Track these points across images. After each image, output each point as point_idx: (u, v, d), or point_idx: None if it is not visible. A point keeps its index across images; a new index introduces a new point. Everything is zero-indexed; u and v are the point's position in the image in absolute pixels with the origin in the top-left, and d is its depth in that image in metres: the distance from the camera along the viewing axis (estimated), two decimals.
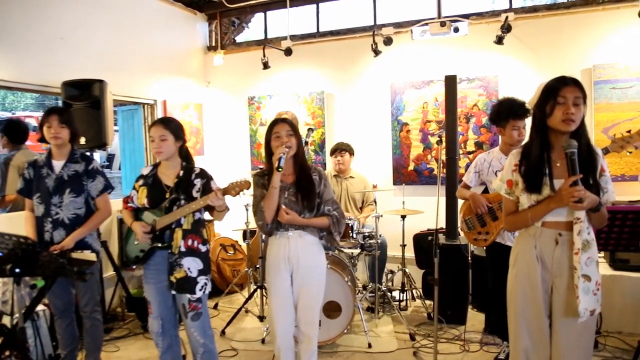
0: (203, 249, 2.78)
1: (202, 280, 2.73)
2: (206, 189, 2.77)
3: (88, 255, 2.98)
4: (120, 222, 4.66)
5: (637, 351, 2.57)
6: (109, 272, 4.51)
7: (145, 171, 2.86)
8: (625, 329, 3.86)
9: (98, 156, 12.41)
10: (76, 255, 2.94)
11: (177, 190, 2.74)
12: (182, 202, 2.72)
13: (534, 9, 4.98)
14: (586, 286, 2.05)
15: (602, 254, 4.05)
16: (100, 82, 3.88)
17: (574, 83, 2.09)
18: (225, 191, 2.60)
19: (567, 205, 2.04)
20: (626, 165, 4.52)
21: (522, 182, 2.18)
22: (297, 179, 2.72)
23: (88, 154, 3.40)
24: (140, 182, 2.83)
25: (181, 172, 2.79)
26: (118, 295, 4.58)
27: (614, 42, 4.65)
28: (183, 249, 2.71)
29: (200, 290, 2.72)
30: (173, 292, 2.72)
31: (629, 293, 3.78)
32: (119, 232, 4.68)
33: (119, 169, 10.05)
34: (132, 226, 2.78)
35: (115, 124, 5.75)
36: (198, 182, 2.78)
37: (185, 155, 2.86)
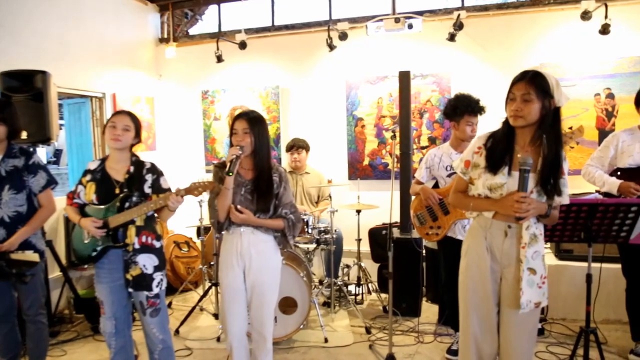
0: (157, 244, 2.73)
1: (158, 276, 2.69)
2: (156, 185, 2.70)
3: (30, 255, 2.82)
4: (67, 220, 4.47)
5: (579, 336, 2.68)
6: (55, 273, 4.32)
7: (93, 165, 2.74)
8: (569, 315, 4.04)
9: (44, 152, 11.88)
10: (16, 256, 2.78)
11: (129, 186, 2.66)
12: (134, 198, 2.64)
13: (485, 8, 5.11)
14: (531, 279, 2.12)
15: (548, 244, 4.22)
16: (43, 73, 3.68)
17: (527, 79, 2.10)
18: (187, 191, 2.54)
19: (509, 214, 2.10)
20: (570, 160, 4.71)
21: (485, 161, 2.21)
22: (255, 177, 2.64)
23: (31, 149, 3.23)
24: (88, 177, 2.71)
25: (132, 168, 2.70)
26: (65, 296, 4.39)
27: (559, 42, 4.83)
28: (137, 246, 2.65)
29: (157, 286, 2.68)
30: (130, 290, 2.66)
31: (573, 281, 3.95)
32: (66, 231, 4.49)
33: (67, 164, 9.66)
34: (80, 223, 2.66)
35: (61, 118, 5.52)
36: (149, 178, 2.71)
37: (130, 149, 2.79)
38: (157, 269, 2.69)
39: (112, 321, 2.69)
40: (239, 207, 2.58)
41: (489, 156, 2.21)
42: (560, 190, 2.15)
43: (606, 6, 4.37)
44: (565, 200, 2.19)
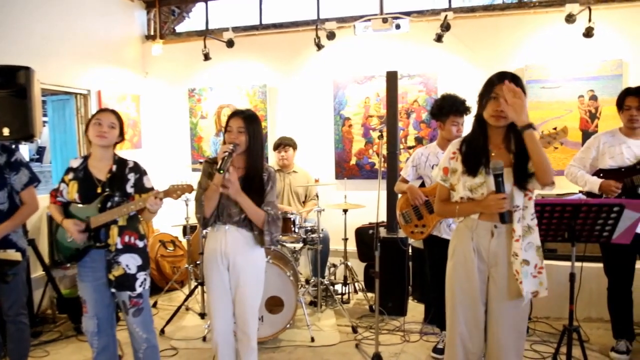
0: (140, 244, 2.71)
1: (141, 276, 2.67)
2: (139, 185, 2.68)
3: (11, 254, 2.78)
4: (50, 219, 4.40)
5: (562, 334, 2.72)
6: (37, 272, 4.26)
7: (75, 163, 2.71)
8: (552, 314, 4.09)
9: (27, 149, 11.71)
10: None
11: (111, 185, 2.63)
12: (116, 198, 2.61)
13: (472, 9, 5.15)
14: (525, 270, 2.16)
15: None
16: (26, 69, 3.62)
17: (510, 79, 2.15)
18: (166, 194, 2.52)
19: (493, 212, 2.15)
20: (554, 161, 4.77)
21: (462, 166, 2.24)
22: (246, 176, 2.62)
23: (13, 146, 3.18)
24: (70, 175, 2.68)
25: (114, 167, 2.68)
26: (48, 296, 4.33)
27: (544, 44, 4.89)
28: (120, 246, 2.62)
29: (140, 286, 2.66)
30: (112, 290, 2.64)
31: (557, 280, 3.98)
32: (49, 229, 4.43)
33: (50, 162, 9.53)
34: (63, 224, 2.63)
35: (45, 115, 5.44)
36: (132, 177, 2.69)
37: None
38: (140, 268, 2.67)
39: (95, 320, 2.66)
40: (227, 176, 2.49)
41: (465, 160, 2.24)
42: None
43: (590, 10, 4.44)
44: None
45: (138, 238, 2.69)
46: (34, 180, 2.97)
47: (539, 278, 2.20)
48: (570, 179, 3.46)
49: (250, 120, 2.61)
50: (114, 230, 2.62)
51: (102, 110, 2.72)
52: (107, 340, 2.73)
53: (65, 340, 3.95)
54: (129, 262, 2.63)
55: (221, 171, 2.43)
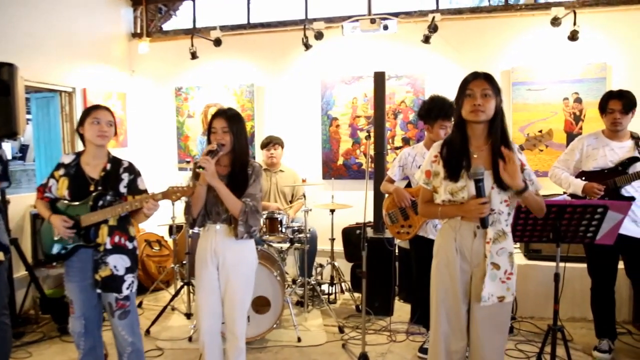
0: (130, 245, 2.67)
1: (129, 278, 2.63)
2: (132, 186, 2.64)
3: None
4: (34, 217, 4.34)
5: (547, 334, 2.75)
6: (20, 272, 4.20)
7: (67, 159, 2.66)
8: (537, 314, 4.13)
9: (9, 147, 11.52)
10: None
11: (104, 184, 2.59)
12: (109, 197, 2.58)
13: (459, 11, 5.19)
14: (493, 273, 2.19)
15: (517, 245, 4.31)
16: (10, 65, 3.57)
17: (483, 77, 2.21)
18: (165, 195, 2.49)
19: (473, 216, 2.18)
20: (539, 162, 4.83)
21: (444, 171, 2.27)
22: (231, 173, 2.62)
23: None
24: (61, 171, 2.63)
25: (108, 165, 2.64)
26: (31, 296, 4.26)
27: (530, 47, 4.95)
28: (109, 246, 2.58)
29: (127, 288, 2.62)
30: (98, 290, 2.60)
31: (541, 280, 4.05)
32: (32, 228, 4.36)
33: (34, 160, 9.38)
34: (50, 219, 2.57)
35: (29, 113, 5.36)
36: (126, 177, 2.65)
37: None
38: (128, 270, 2.63)
39: (82, 321, 2.63)
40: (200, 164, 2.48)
41: (447, 165, 2.26)
42: (528, 179, 2.24)
43: (575, 13, 4.50)
44: (539, 185, 2.31)
45: (128, 239, 2.66)
46: (2, 179, 2.93)
47: (507, 284, 2.22)
48: (554, 181, 3.50)
49: (233, 120, 2.61)
50: (104, 230, 2.58)
51: (96, 108, 2.65)
52: (94, 341, 2.70)
53: (49, 341, 3.89)
54: (118, 263, 2.59)
55: (202, 168, 2.43)
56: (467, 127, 2.26)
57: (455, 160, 2.24)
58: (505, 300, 2.21)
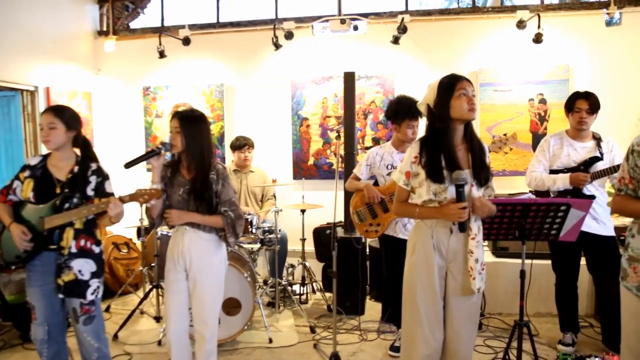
0: (96, 250, 2.60)
1: (94, 283, 2.56)
2: (100, 189, 2.58)
3: None
4: None
5: (513, 330, 2.81)
6: None
7: (33, 161, 2.58)
8: (505, 310, 4.22)
9: None
10: None
11: (71, 186, 2.52)
12: (75, 200, 2.51)
13: (428, 13, 5.26)
14: (477, 267, 2.25)
15: (485, 242, 4.39)
16: None
17: (465, 79, 2.30)
18: (132, 198, 2.44)
19: (452, 220, 2.23)
20: (507, 162, 4.94)
21: (425, 172, 2.28)
22: (193, 178, 2.60)
23: None
24: (27, 172, 2.55)
25: (76, 167, 2.57)
26: None
27: (497, 49, 5.05)
28: (74, 249, 2.50)
29: (92, 294, 2.55)
30: (60, 295, 2.51)
31: (508, 277, 4.13)
32: None
33: None
34: (10, 227, 2.49)
35: None
36: (93, 180, 2.57)
37: (84, 146, 2.64)
38: (94, 275, 2.56)
39: (44, 327, 2.54)
40: (167, 210, 2.57)
41: (428, 167, 2.27)
42: (489, 185, 2.36)
43: (539, 16, 4.61)
44: (494, 191, 2.41)
45: (94, 243, 2.59)
46: None
47: (482, 274, 2.30)
48: (536, 184, 3.45)
49: (186, 121, 2.58)
50: (69, 233, 2.50)
51: (43, 112, 2.58)
52: (58, 347, 2.61)
53: (10, 349, 3.75)
54: (83, 267, 2.52)
55: (126, 166, 2.49)
56: (449, 129, 2.28)
57: (437, 161, 2.26)
58: (480, 290, 2.29)
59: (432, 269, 2.30)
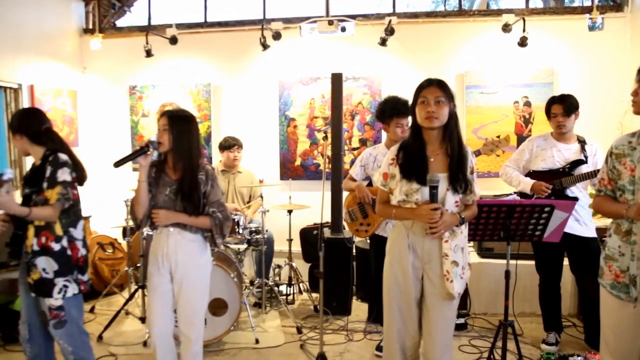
0: (56, 247, 2.47)
1: (60, 282, 2.46)
2: (51, 178, 2.44)
3: None
4: None
5: (498, 329, 2.84)
6: None
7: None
8: (490, 310, 4.26)
9: None
10: None
11: (28, 183, 2.50)
12: (34, 196, 2.46)
13: (415, 15, 5.30)
14: (455, 271, 2.26)
15: (471, 243, 4.43)
16: None
17: (436, 84, 2.29)
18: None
19: (424, 221, 2.23)
20: (492, 163, 4.99)
21: (399, 173, 2.32)
22: (181, 178, 2.58)
23: None
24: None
25: (39, 162, 2.53)
26: None
27: (483, 52, 5.10)
28: (36, 247, 2.44)
29: (59, 293, 2.45)
30: (32, 294, 2.49)
31: (493, 278, 4.18)
32: None
33: None
34: None
35: None
36: (48, 170, 2.46)
37: (48, 138, 2.55)
38: (58, 274, 2.45)
39: (26, 326, 2.55)
40: (154, 210, 2.54)
41: (403, 168, 2.31)
42: (472, 189, 2.33)
43: (524, 20, 4.67)
44: (477, 196, 2.38)
45: (54, 240, 2.47)
46: None
47: (464, 278, 2.32)
48: (505, 179, 3.62)
49: (175, 120, 2.57)
50: (31, 231, 2.45)
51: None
52: (39, 349, 2.59)
53: None
54: (45, 265, 2.44)
55: (115, 164, 2.48)
56: (423, 132, 2.33)
57: (412, 164, 2.29)
58: (460, 293, 2.30)
59: (406, 268, 2.32)
